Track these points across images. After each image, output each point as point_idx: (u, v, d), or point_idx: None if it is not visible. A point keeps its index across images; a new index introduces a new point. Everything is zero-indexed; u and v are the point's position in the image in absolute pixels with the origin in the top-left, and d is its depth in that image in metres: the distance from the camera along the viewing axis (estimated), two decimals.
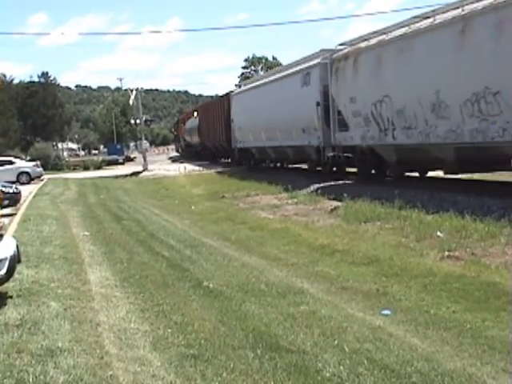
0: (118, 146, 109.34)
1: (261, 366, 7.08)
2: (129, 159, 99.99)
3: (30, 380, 6.11)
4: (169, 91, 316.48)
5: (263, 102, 37.50)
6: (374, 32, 25.39)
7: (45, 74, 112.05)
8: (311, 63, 30.86)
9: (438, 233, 15.28)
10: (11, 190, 25.94)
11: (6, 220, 16.40)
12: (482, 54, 17.93)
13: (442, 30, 19.90)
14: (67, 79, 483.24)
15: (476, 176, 24.67)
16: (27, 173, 48.99)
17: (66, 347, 7.14)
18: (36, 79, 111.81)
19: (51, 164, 73.83)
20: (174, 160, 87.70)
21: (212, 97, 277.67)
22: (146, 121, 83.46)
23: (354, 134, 26.23)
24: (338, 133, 27.55)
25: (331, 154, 28.83)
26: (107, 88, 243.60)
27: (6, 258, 8.87)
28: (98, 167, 78.91)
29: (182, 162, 69.68)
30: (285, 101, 32.25)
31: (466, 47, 18.57)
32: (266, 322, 8.91)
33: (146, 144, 74.45)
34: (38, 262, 12.51)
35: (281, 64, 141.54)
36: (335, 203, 22.44)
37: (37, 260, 12.78)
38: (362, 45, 25.96)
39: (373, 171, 27.25)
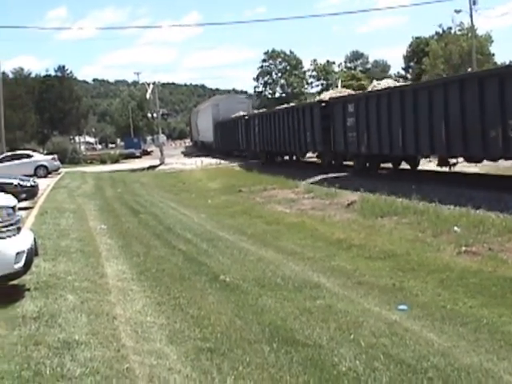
0: (135, 140, 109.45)
1: (277, 360, 7.08)
2: (146, 153, 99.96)
3: (47, 372, 6.13)
4: (186, 85, 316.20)
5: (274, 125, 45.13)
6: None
7: (61, 68, 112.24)
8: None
9: (455, 228, 15.24)
10: (29, 184, 25.99)
11: (23, 213, 16.46)
12: None
13: None
14: (85, 73, 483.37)
15: (492, 171, 24.58)
16: (44, 166, 49.06)
17: (83, 340, 7.16)
18: (53, 73, 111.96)
19: (68, 157, 73.90)
20: (187, 154, 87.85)
21: (229, 91, 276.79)
22: (162, 114, 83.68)
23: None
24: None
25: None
26: (124, 82, 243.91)
27: (23, 251, 8.91)
28: (115, 161, 78.95)
29: (198, 156, 69.72)
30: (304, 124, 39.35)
31: None
32: (282, 316, 8.91)
33: (162, 138, 74.38)
34: (56, 255, 12.55)
35: (298, 59, 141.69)
36: (352, 198, 22.39)
37: (54, 253, 12.82)
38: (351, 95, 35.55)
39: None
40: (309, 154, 43.79)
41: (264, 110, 65.80)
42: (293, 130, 40.53)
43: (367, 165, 32.03)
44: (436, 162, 28.03)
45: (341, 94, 39.13)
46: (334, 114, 34.44)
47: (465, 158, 24.99)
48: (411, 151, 27.34)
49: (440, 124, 23.90)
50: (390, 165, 32.43)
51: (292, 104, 53.88)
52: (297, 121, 39.90)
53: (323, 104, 36.64)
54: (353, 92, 41.61)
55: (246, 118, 55.49)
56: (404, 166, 31.65)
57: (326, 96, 41.34)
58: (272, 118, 46.48)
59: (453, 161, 26.46)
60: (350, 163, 34.48)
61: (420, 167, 30.87)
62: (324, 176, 31.98)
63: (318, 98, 44.16)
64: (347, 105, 33.03)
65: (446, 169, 26.84)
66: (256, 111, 63.54)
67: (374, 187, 23.79)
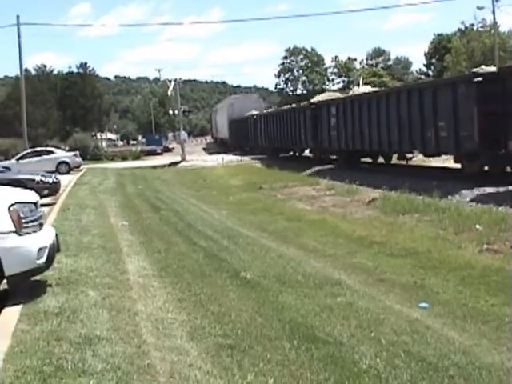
0: (157, 137, 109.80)
1: (297, 357, 7.08)
2: (167, 150, 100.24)
3: (69, 367, 6.16)
4: (207, 82, 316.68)
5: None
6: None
7: (83, 65, 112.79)
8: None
9: (477, 225, 15.18)
10: (51, 180, 26.14)
11: (45, 209, 16.53)
12: None
13: None
14: (107, 70, 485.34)
15: None
16: (66, 163, 49.29)
17: (104, 336, 7.18)
18: (75, 70, 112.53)
19: (90, 154, 74.26)
20: (208, 150, 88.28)
21: (250, 88, 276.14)
22: (184, 111, 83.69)
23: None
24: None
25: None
26: (146, 79, 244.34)
27: (45, 247, 8.95)
28: (137, 157, 79.25)
29: (219, 153, 69.91)
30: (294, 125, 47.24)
31: None
32: (303, 313, 8.90)
33: (184, 135, 74.53)
34: (77, 251, 12.60)
35: (320, 55, 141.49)
36: (373, 195, 22.36)
37: (76, 249, 12.87)
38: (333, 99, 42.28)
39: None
40: (307, 150, 49.34)
41: (270, 109, 70.25)
42: (291, 128, 47.07)
43: (351, 158, 37.51)
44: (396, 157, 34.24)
45: (329, 98, 45.00)
46: (321, 115, 40.78)
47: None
48: (383, 147, 32.78)
49: (394, 125, 30.06)
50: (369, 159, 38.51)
51: (293, 105, 57.55)
52: (294, 121, 46.67)
53: (313, 106, 43.32)
54: (376, 89, 44.39)
55: (255, 117, 62.29)
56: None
57: (317, 99, 47.93)
58: (275, 117, 53.83)
59: (409, 155, 32.55)
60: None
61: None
62: (316, 168, 38.47)
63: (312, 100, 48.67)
64: (331, 107, 39.41)
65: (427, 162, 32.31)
66: (265, 111, 67.52)
67: (352, 178, 27.43)
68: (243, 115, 69.84)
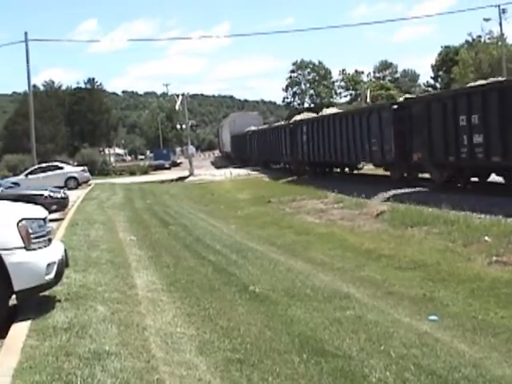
0: (165, 151, 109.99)
1: (306, 371, 7.07)
2: (175, 164, 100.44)
3: (78, 383, 6.16)
4: (214, 96, 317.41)
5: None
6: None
7: (91, 80, 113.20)
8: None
9: (486, 237, 15.13)
10: (59, 195, 26.20)
11: (54, 225, 16.55)
12: None
13: None
14: (114, 85, 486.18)
15: None
16: (75, 178, 49.48)
17: (113, 351, 7.18)
18: (83, 85, 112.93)
19: (98, 169, 74.47)
20: (216, 164, 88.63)
21: (257, 102, 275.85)
22: (191, 126, 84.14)
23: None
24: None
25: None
26: (153, 93, 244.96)
27: (54, 262, 8.96)
28: (145, 172, 79.38)
29: (226, 167, 70.07)
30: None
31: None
32: (312, 326, 8.89)
33: (192, 149, 74.78)
34: (86, 266, 12.61)
35: (327, 69, 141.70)
36: (381, 208, 22.33)
37: (84, 264, 12.88)
38: (304, 119, 50.05)
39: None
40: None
41: (265, 126, 74.25)
42: (276, 144, 54.32)
43: (320, 169, 45.09)
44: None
45: (304, 118, 52.11)
46: (296, 132, 47.89)
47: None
48: (340, 159, 39.43)
49: (347, 141, 36.90)
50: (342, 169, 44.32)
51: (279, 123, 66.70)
52: (278, 137, 54.11)
53: (291, 125, 51.70)
54: (340, 111, 51.48)
55: (250, 133, 70.03)
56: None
57: (295, 118, 55.85)
58: (265, 133, 61.53)
59: (360, 166, 41.44)
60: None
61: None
62: (294, 178, 45.77)
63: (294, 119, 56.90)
64: (302, 126, 46.48)
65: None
66: (259, 127, 73.39)
67: (323, 185, 33.03)
68: (243, 131, 75.13)
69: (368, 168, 40.70)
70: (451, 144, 25.68)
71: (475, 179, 26.77)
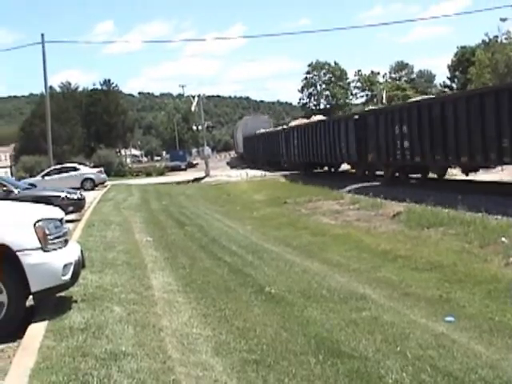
0: (181, 152, 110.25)
1: (323, 372, 7.06)
2: (191, 165, 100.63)
3: (95, 383, 6.18)
4: (230, 97, 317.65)
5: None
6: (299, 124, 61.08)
7: (107, 82, 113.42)
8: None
9: (503, 238, 15.07)
10: (76, 197, 26.29)
11: (70, 226, 16.61)
12: None
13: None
14: (131, 86, 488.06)
15: None
16: (91, 179, 49.62)
17: (130, 351, 7.19)
18: (99, 87, 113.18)
19: (114, 170, 74.65)
20: (232, 165, 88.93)
21: (273, 103, 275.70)
22: (207, 127, 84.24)
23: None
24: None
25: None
26: (169, 95, 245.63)
27: (70, 263, 8.99)
28: (161, 173, 79.51)
29: (243, 168, 70.16)
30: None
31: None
32: (328, 327, 8.88)
33: (208, 150, 74.80)
34: (102, 268, 12.64)
35: (343, 70, 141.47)
36: (397, 209, 22.29)
37: (101, 265, 12.91)
38: (295, 125, 60.12)
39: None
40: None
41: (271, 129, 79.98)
42: (276, 146, 62.27)
43: (309, 168, 51.91)
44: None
45: (297, 123, 62.65)
46: (289, 137, 56.76)
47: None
48: (322, 160, 47.13)
49: (327, 144, 44.42)
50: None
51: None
52: (277, 140, 62.55)
53: (286, 130, 60.93)
54: (325, 118, 59.06)
55: (258, 135, 77.61)
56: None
57: (290, 124, 67.54)
58: (268, 136, 70.59)
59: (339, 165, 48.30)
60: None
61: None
62: (287, 173, 53.20)
63: (290, 124, 68.12)
64: (294, 131, 55.80)
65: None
66: (263, 130, 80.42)
67: (310, 180, 40.18)
68: (254, 133, 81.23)
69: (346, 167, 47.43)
70: (391, 147, 33.85)
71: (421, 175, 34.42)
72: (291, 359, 7.51)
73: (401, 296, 11.19)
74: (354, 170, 43.17)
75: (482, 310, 9.96)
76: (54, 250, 8.85)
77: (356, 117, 40.42)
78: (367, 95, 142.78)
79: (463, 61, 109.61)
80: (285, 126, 67.62)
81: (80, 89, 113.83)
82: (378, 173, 37.70)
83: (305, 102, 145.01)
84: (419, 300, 10.79)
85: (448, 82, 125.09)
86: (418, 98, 39.96)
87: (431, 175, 33.46)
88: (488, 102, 24.69)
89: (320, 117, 64.96)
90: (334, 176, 45.73)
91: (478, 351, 7.81)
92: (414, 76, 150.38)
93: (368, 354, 7.66)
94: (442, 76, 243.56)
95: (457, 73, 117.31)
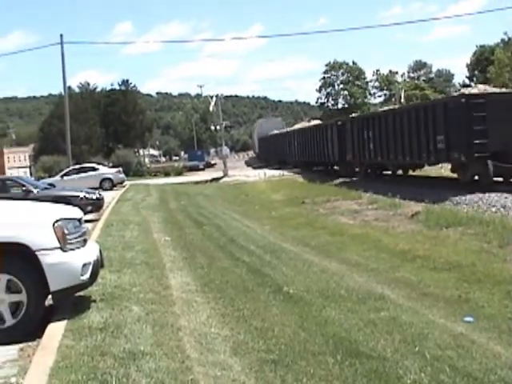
0: (199, 152, 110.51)
1: (341, 372, 7.05)
2: (209, 165, 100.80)
3: (113, 382, 6.18)
4: (248, 97, 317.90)
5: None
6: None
7: (125, 82, 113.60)
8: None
9: None
10: (94, 196, 26.39)
11: (89, 225, 16.67)
12: None
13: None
14: (149, 87, 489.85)
15: None
16: (110, 179, 49.75)
17: (148, 351, 7.20)
18: (117, 87, 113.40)
19: (133, 170, 74.85)
20: (250, 165, 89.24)
21: (291, 103, 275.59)
22: (225, 127, 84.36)
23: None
24: None
25: None
26: (187, 95, 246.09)
27: (89, 263, 9.01)
28: (179, 173, 79.65)
29: (261, 167, 70.24)
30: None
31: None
32: (346, 327, 8.86)
33: (226, 150, 74.92)
34: (121, 267, 12.66)
35: (361, 69, 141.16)
36: (416, 208, 22.23)
37: (119, 265, 12.93)
38: (295, 129, 71.77)
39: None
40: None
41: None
42: (283, 146, 69.65)
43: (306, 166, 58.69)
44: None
45: (300, 127, 71.81)
46: (291, 139, 65.86)
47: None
48: (314, 159, 54.81)
49: (317, 147, 53.05)
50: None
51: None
52: (283, 141, 70.71)
53: (289, 133, 70.51)
54: (320, 122, 69.35)
55: (270, 137, 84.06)
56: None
57: (294, 127, 77.43)
58: (278, 137, 77.39)
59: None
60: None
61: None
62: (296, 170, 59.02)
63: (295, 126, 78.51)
64: (295, 134, 65.10)
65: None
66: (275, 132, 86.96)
67: (308, 176, 49.62)
68: (267, 134, 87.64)
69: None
70: (361, 149, 41.05)
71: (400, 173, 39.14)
72: (309, 359, 7.50)
73: (419, 296, 11.16)
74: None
75: (501, 310, 9.92)
76: (73, 249, 8.87)
77: (339, 123, 47.51)
78: (385, 95, 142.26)
79: (482, 60, 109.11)
80: (288, 129, 78.33)
81: (98, 89, 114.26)
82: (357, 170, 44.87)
83: (323, 101, 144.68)
84: (438, 300, 10.76)
85: (467, 81, 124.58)
86: (385, 108, 48.78)
87: (402, 172, 39.21)
88: (427, 113, 30.74)
89: (316, 121, 75.51)
90: (326, 173, 51.22)
91: (497, 352, 7.78)
92: (432, 75, 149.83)
93: (386, 354, 7.64)
94: (460, 75, 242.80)
95: (476, 72, 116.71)
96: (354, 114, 52.54)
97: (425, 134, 30.75)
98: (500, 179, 27.60)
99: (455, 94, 37.24)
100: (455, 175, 30.54)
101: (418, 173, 37.83)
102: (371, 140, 38.79)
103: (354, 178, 42.37)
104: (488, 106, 27.21)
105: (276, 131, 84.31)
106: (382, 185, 33.56)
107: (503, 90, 38.95)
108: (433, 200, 24.08)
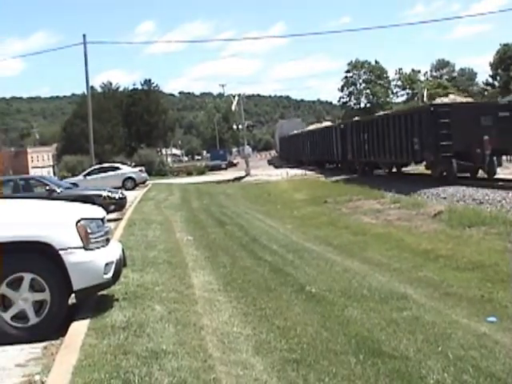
0: (221, 152, 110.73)
1: (363, 372, 7.03)
2: (231, 164, 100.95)
3: (136, 381, 6.20)
4: (270, 96, 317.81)
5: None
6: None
7: (147, 82, 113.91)
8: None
9: None
10: (117, 196, 26.50)
11: (112, 225, 16.71)
12: None
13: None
14: (171, 87, 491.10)
15: None
16: (132, 178, 49.93)
17: (171, 350, 7.21)
18: (139, 86, 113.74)
19: (155, 170, 75.13)
20: (272, 164, 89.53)
21: (314, 102, 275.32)
22: (247, 126, 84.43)
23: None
24: None
25: None
26: (209, 94, 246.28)
27: (112, 262, 9.04)
28: (201, 172, 79.88)
29: (283, 167, 70.28)
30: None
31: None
32: (369, 327, 8.84)
33: (248, 149, 75.04)
34: (143, 266, 12.69)
35: (383, 68, 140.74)
36: (439, 208, 22.14)
37: (142, 264, 12.96)
38: (309, 129, 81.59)
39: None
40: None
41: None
42: (298, 146, 76.33)
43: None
44: None
45: (311, 128, 79.87)
46: (304, 139, 73.79)
47: None
48: (312, 158, 66.69)
49: (313, 148, 66.55)
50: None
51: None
52: (297, 142, 78.87)
53: (303, 134, 77.40)
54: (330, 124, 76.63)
55: (289, 137, 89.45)
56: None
57: (308, 128, 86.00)
58: (295, 138, 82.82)
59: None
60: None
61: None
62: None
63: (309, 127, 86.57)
64: (307, 135, 72.85)
65: None
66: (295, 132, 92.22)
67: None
68: (288, 135, 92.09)
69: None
70: (359, 150, 46.92)
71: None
72: (332, 359, 7.49)
73: (442, 296, 11.12)
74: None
75: None
76: (96, 248, 8.91)
77: (342, 126, 55.34)
78: (408, 94, 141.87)
79: (505, 58, 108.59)
80: (302, 130, 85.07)
81: (121, 89, 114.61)
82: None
83: (345, 100, 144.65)
84: (461, 300, 10.71)
85: (490, 80, 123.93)
86: (380, 114, 57.27)
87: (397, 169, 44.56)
88: (407, 119, 36.76)
89: (327, 123, 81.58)
90: (332, 170, 57.07)
91: None
92: (455, 74, 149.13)
93: (409, 354, 7.62)
94: (483, 74, 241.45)
95: (499, 71, 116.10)
96: (356, 118, 59.58)
97: (405, 137, 36.80)
98: (467, 175, 33.61)
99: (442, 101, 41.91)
100: (429, 172, 36.18)
101: (409, 170, 44.34)
102: (366, 142, 45.08)
103: (354, 175, 47.36)
104: (452, 113, 32.88)
105: (296, 131, 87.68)
106: (373, 180, 40.69)
107: (468, 99, 48.94)
108: (405, 192, 29.89)
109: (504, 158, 37.90)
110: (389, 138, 39.60)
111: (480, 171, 33.97)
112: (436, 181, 32.44)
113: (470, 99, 50.32)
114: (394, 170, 44.02)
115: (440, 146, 32.11)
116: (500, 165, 34.71)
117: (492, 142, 32.03)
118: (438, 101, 42.89)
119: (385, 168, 44.58)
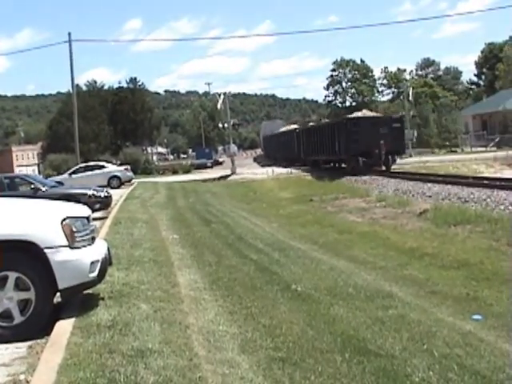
0: (207, 150, 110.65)
1: (349, 370, 7.04)
2: (217, 163, 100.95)
3: (122, 380, 6.19)
4: (256, 95, 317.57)
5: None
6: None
7: (133, 80, 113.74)
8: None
9: None
10: (102, 194, 26.43)
11: (97, 223, 16.65)
12: None
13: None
14: (157, 84, 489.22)
15: None
16: (118, 177, 49.77)
17: (156, 348, 7.21)
18: (125, 85, 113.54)
19: (141, 168, 74.90)
20: (258, 162, 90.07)
21: (299, 100, 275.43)
22: (233, 125, 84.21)
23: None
24: None
25: None
26: (195, 93, 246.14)
27: (97, 261, 9.02)
28: (187, 171, 79.74)
29: (269, 166, 70.31)
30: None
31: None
32: (355, 325, 8.86)
33: (234, 148, 74.94)
34: (129, 265, 12.65)
35: (368, 67, 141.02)
36: (424, 206, 22.20)
37: (127, 262, 12.92)
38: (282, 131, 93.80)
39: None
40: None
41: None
42: (282, 146, 79.18)
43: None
44: None
45: (289, 128, 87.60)
46: (281, 139, 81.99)
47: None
48: (290, 156, 70.88)
49: (289, 148, 73.68)
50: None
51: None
52: (278, 141, 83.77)
53: (284, 133, 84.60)
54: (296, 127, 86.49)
55: (269, 137, 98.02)
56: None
57: (282, 129, 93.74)
58: (274, 137, 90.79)
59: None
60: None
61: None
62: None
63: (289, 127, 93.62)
64: (282, 135, 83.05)
65: None
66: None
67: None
68: (268, 135, 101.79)
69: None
70: (307, 149, 60.81)
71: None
72: (317, 357, 7.50)
73: (427, 294, 11.16)
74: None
75: (509, 308, 9.91)
76: (82, 247, 8.88)
77: (297, 131, 70.85)
78: (393, 92, 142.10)
79: (490, 57, 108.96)
80: (277, 132, 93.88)
81: (106, 87, 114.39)
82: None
83: (330, 99, 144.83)
84: (446, 298, 10.76)
85: (475, 79, 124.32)
86: (323, 122, 76.34)
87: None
88: (334, 128, 52.19)
89: (294, 126, 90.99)
90: (295, 165, 64.51)
91: (506, 350, 7.77)
92: (440, 73, 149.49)
93: (395, 352, 7.64)
94: (468, 73, 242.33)
95: (484, 69, 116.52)
96: (311, 123, 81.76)
97: (331, 141, 51.30)
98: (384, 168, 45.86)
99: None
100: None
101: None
102: (312, 144, 59.02)
103: (307, 167, 59.44)
104: (360, 124, 48.09)
105: (276, 131, 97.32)
106: (319, 171, 53.35)
107: (374, 114, 64.31)
108: (333, 177, 43.87)
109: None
110: (322, 141, 54.42)
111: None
112: (350, 172, 45.19)
113: (376, 114, 66.88)
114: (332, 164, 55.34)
115: (351, 148, 46.22)
116: (394, 161, 48.17)
117: (387, 145, 45.10)
118: (354, 115, 58.46)
119: (323, 163, 56.24)
